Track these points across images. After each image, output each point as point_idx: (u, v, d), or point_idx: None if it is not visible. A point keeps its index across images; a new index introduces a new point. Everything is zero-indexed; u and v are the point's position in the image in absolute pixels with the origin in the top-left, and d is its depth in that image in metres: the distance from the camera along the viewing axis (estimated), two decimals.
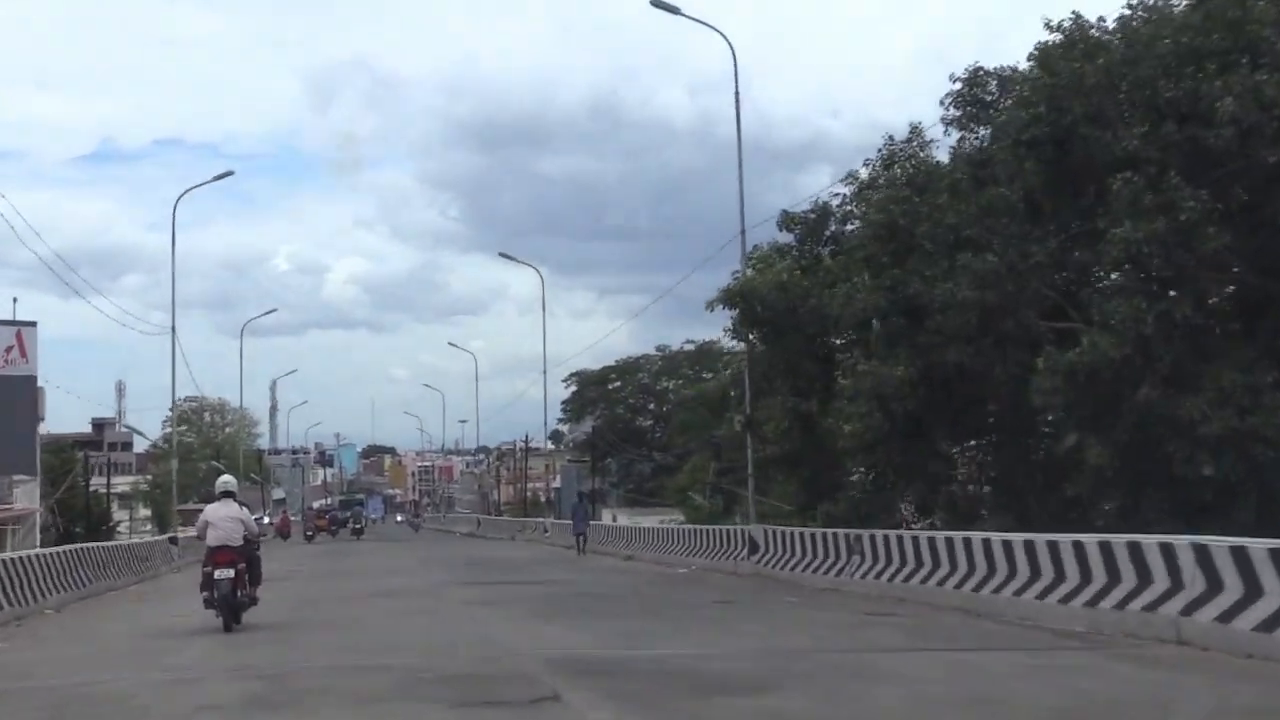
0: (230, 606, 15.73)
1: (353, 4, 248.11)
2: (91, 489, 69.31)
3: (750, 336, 27.00)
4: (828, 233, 28.63)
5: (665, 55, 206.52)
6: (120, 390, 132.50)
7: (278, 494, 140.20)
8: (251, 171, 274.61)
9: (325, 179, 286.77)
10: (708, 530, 30.92)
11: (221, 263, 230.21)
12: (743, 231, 27.84)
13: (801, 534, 24.31)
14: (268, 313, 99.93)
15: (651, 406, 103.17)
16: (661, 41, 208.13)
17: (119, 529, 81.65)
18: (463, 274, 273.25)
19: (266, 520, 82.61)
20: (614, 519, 66.33)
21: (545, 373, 60.30)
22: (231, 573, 15.75)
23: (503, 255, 65.37)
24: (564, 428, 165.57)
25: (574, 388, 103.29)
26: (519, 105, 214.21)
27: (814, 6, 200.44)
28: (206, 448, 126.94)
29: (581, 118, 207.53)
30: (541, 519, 64.39)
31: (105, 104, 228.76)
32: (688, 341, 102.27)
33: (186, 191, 45.13)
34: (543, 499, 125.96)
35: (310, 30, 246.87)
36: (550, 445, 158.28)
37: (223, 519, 16.15)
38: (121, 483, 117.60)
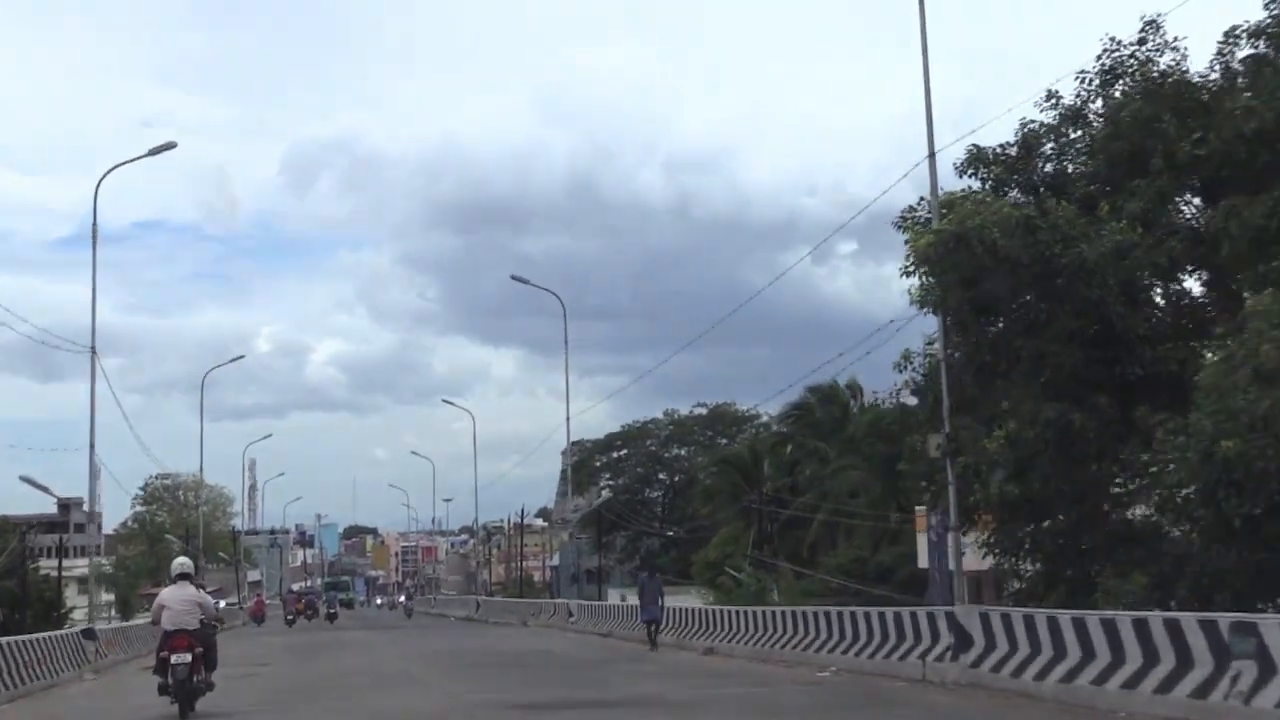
0: (187, 692, 15.21)
1: (332, 85, 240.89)
2: (43, 573, 61.61)
3: (946, 314, 17.27)
4: (1036, 175, 19.36)
5: (643, 136, 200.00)
6: (95, 471, 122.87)
7: (254, 576, 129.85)
8: (233, 254, 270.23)
9: (306, 260, 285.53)
10: (852, 614, 21.01)
11: (202, 345, 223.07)
12: (932, 155, 18.23)
13: (1075, 622, 14.48)
14: (235, 360, 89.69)
15: (662, 476, 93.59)
16: (640, 122, 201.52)
17: (72, 615, 72.98)
18: (443, 356, 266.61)
19: (224, 605, 73.17)
20: (623, 599, 56.62)
21: (569, 420, 50.83)
22: (189, 657, 15.22)
23: (515, 279, 56.24)
24: (555, 505, 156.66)
25: (576, 457, 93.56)
26: (498, 186, 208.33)
27: (790, 87, 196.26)
28: (180, 528, 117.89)
29: (560, 198, 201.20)
30: (564, 600, 53.96)
31: (85, 186, 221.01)
32: (698, 405, 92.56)
33: (114, 168, 34.88)
34: (536, 579, 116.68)
35: (290, 112, 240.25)
36: (543, 522, 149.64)
37: (179, 601, 15.61)
38: (83, 566, 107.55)
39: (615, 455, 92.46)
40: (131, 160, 35.46)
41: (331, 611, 69.22)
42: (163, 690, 15.40)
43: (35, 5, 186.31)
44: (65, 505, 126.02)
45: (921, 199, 18.26)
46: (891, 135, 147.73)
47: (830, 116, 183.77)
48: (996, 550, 18.33)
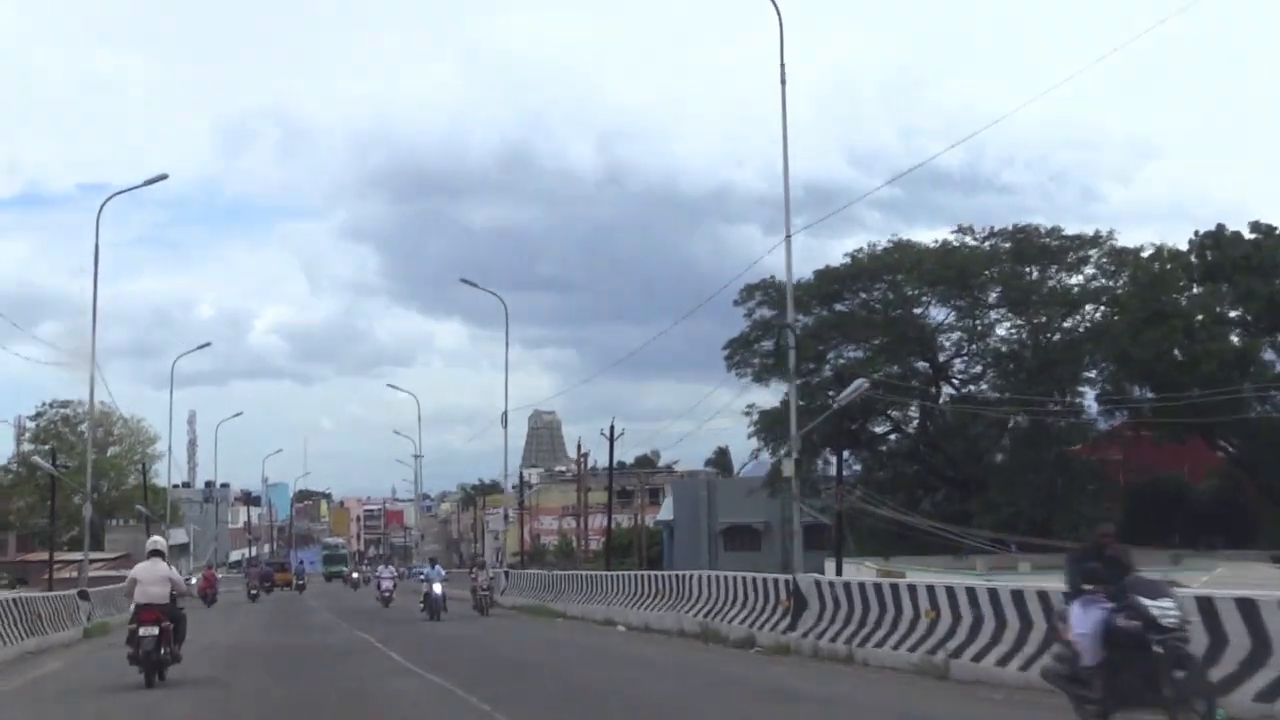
0: (152, 663, 15.79)
1: (264, 53, 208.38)
2: None
3: None
4: None
5: (576, 104, 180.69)
6: (20, 428, 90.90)
7: (178, 538, 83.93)
8: (176, 220, 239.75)
9: (247, 227, 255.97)
10: None
11: (145, 310, 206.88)
12: None
13: None
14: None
15: (926, 360, 50.76)
16: (571, 91, 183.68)
17: None
18: (387, 325, 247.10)
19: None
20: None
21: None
22: (156, 630, 15.83)
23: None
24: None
25: (757, 309, 50.73)
26: (433, 155, 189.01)
27: (715, 59, 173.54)
28: (80, 474, 73.58)
29: (496, 168, 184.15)
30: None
31: (29, 146, 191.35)
32: (955, 230, 50.64)
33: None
34: (575, 544, 76.91)
35: (226, 77, 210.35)
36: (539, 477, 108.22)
37: (151, 578, 16.30)
38: None
39: (837, 308, 49.07)
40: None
41: (300, 583, 64.13)
42: (132, 660, 15.85)
43: None
44: None
45: None
46: (811, 106, 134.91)
47: (753, 89, 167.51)
48: None
